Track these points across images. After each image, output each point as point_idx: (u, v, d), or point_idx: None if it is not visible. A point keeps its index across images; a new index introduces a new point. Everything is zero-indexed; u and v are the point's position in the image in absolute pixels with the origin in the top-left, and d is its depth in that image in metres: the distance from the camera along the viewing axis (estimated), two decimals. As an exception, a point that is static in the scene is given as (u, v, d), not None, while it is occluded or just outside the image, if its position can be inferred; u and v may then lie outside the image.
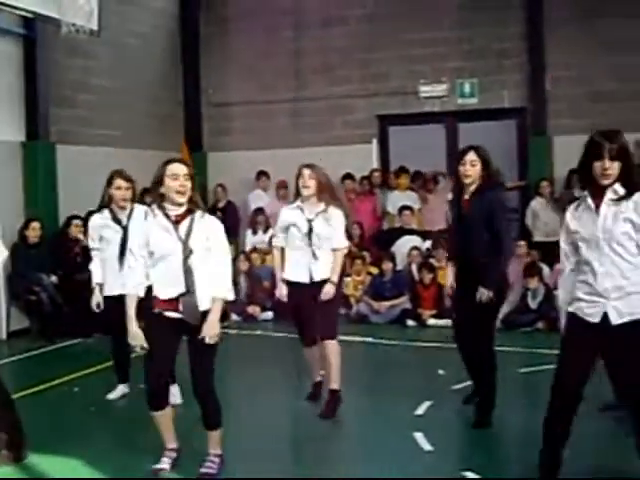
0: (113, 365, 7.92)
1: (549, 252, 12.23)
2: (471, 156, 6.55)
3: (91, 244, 7.66)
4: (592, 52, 13.65)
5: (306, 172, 7.07)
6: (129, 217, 7.37)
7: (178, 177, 5.34)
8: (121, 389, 7.83)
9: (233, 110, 15.66)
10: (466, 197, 6.64)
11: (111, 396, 7.77)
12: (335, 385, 7.12)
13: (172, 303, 5.30)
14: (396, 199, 13.57)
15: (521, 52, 14.13)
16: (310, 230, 7.07)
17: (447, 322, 11.63)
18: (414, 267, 12.43)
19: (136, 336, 5.30)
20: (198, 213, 5.38)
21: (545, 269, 11.88)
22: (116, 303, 6.58)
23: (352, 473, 5.54)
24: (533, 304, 11.35)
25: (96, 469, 5.75)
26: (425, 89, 14.58)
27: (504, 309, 11.35)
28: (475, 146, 6.68)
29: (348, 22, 14.99)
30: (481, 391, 6.88)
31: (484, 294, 6.49)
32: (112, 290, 7.25)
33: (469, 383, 7.35)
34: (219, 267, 5.35)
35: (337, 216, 7.13)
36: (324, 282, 7.07)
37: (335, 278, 7.11)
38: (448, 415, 7.04)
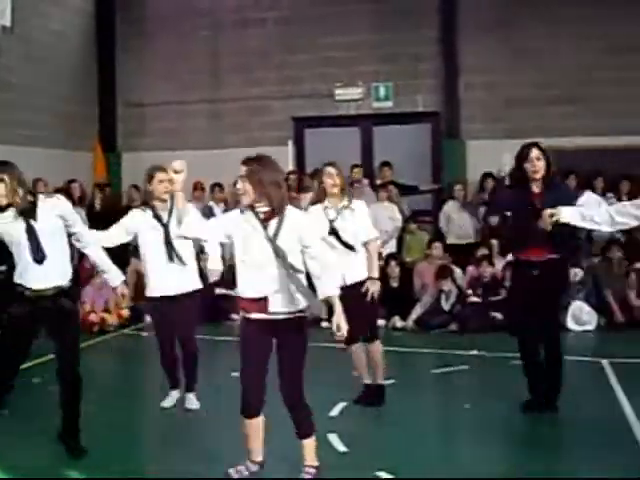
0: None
1: (462, 255, 12.45)
2: (536, 152, 6.87)
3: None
4: (505, 58, 13.90)
5: (332, 170, 7.16)
6: (170, 214, 6.98)
7: None
8: None
9: (149, 110, 15.53)
10: (537, 190, 6.89)
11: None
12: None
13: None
14: (309, 201, 13.58)
15: (436, 57, 14.30)
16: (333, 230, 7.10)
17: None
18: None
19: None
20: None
21: (457, 271, 12.03)
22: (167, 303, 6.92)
23: (264, 475, 5.52)
24: (446, 306, 11.49)
25: None
26: (341, 92, 14.67)
27: (417, 310, 11.54)
28: (535, 142, 6.98)
29: (265, 24, 15.00)
30: (552, 377, 7.01)
31: (577, 273, 6.92)
32: (153, 292, 7.16)
33: (384, 383, 7.46)
34: None
35: (361, 208, 7.21)
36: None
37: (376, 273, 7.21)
38: (362, 416, 7.09)
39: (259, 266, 5.13)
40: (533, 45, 13.80)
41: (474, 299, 11.53)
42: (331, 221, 7.11)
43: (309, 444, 5.36)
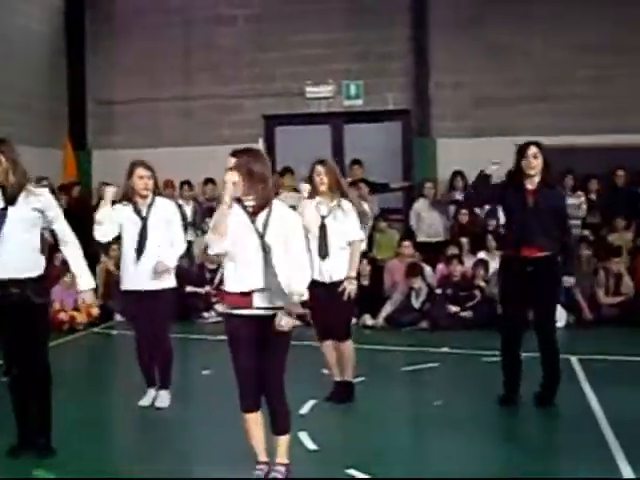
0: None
1: (432, 253, 12.50)
2: (534, 150, 7.01)
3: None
4: (476, 56, 13.96)
5: (320, 168, 7.22)
6: (149, 208, 7.12)
7: None
8: None
9: (119, 108, 15.44)
10: (531, 188, 7.02)
11: None
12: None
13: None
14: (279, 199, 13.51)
15: (406, 55, 14.34)
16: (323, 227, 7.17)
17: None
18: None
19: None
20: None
21: (427, 269, 12.07)
22: (135, 298, 7.00)
23: (237, 473, 5.52)
24: (416, 303, 11.53)
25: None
26: (311, 90, 14.66)
27: (387, 308, 11.57)
28: (535, 141, 7.15)
29: (236, 22, 14.98)
30: (549, 372, 7.13)
31: (570, 281, 7.41)
32: (126, 285, 7.20)
33: (353, 381, 7.48)
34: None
35: (350, 209, 7.24)
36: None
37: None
38: (332, 414, 7.11)
39: (247, 260, 5.08)
40: (504, 43, 13.87)
41: (453, 308, 11.52)
42: (323, 217, 7.18)
43: (284, 441, 5.31)
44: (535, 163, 7.00)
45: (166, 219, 7.20)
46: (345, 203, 7.22)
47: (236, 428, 5.47)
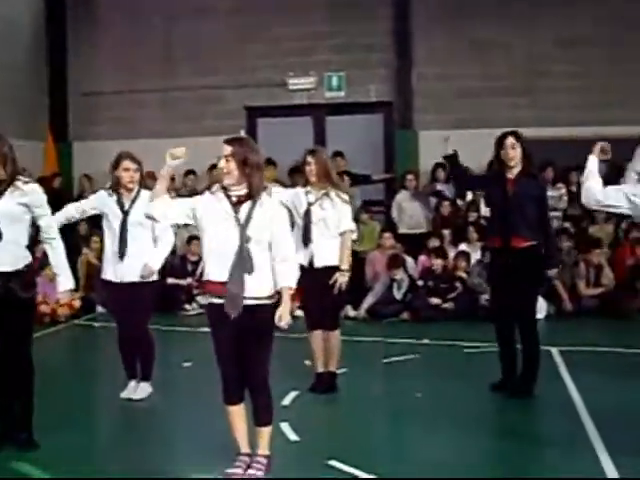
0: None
1: (414, 244, 12.52)
2: (511, 140, 7.07)
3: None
4: (458, 49, 14.01)
5: (309, 158, 7.32)
6: (133, 201, 7.12)
7: None
8: None
9: (101, 99, 15.36)
10: (511, 177, 7.08)
11: None
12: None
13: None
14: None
15: (389, 47, 14.35)
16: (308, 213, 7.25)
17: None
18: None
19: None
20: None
21: (409, 261, 12.10)
22: (116, 289, 7.04)
23: (215, 465, 5.52)
24: (398, 295, 11.56)
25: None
26: (293, 82, 14.65)
27: (369, 300, 11.60)
28: (513, 131, 7.21)
29: (218, 13, 14.92)
30: (528, 363, 7.15)
31: (553, 272, 7.66)
32: (107, 275, 7.23)
33: (336, 371, 7.51)
34: None
35: (339, 199, 7.28)
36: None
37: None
38: (314, 405, 7.12)
39: (226, 249, 5.04)
40: (485, 37, 13.92)
41: (435, 300, 11.54)
42: (309, 204, 7.25)
43: (266, 432, 5.31)
44: (513, 154, 7.05)
45: None
46: (334, 193, 7.26)
47: (217, 419, 5.49)
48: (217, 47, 14.84)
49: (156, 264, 7.16)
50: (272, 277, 5.13)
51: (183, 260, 12.73)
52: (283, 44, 14.54)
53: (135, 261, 7.06)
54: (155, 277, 7.26)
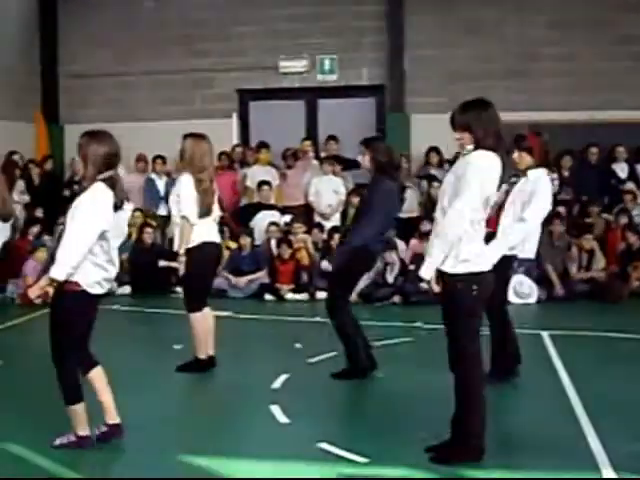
0: None
1: (405, 228, 12.50)
2: None
3: None
4: (451, 32, 13.99)
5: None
6: None
7: None
8: None
9: (91, 82, 15.29)
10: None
11: None
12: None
13: None
14: (255, 174, 13.51)
15: (381, 30, 14.31)
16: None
17: (304, 296, 11.81)
18: (273, 242, 12.48)
19: None
20: None
21: (401, 244, 12.10)
22: None
23: (205, 447, 5.53)
24: (390, 278, 11.56)
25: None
26: (285, 64, 14.60)
27: (360, 283, 11.58)
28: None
29: (210, -5, 14.86)
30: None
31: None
32: None
33: (325, 356, 7.55)
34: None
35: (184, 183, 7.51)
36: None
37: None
38: (304, 388, 7.10)
39: None
40: (478, 19, 13.89)
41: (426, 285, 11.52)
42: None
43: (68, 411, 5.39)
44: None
45: None
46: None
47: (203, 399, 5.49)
48: (208, 29, 14.77)
49: None
50: None
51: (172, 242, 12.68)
52: (275, 27, 14.49)
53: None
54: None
